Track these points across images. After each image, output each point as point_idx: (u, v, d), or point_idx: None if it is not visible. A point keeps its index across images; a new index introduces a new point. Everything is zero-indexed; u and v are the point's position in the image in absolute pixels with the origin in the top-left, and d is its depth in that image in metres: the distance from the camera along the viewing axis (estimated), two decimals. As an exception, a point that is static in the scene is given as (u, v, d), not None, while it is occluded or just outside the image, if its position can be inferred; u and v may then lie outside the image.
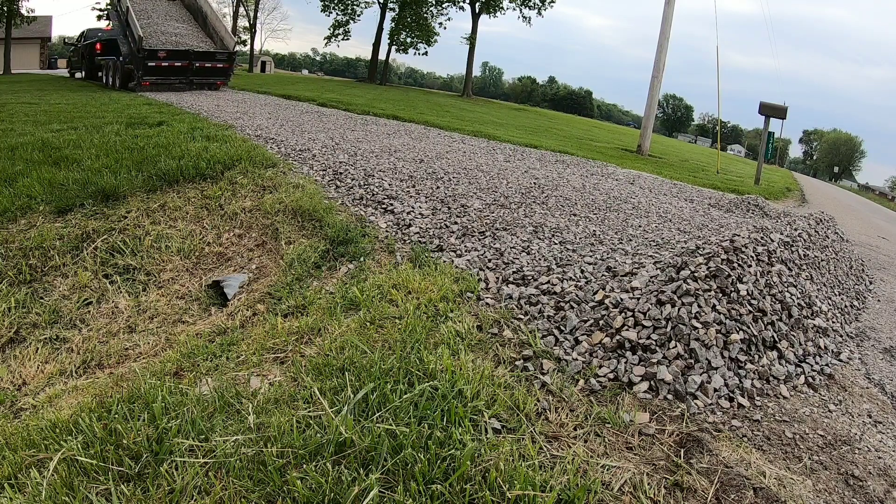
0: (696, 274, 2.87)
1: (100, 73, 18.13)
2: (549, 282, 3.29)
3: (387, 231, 4.27)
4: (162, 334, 3.55)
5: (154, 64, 14.22)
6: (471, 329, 2.74)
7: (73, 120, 8.55)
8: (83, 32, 21.25)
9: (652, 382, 2.35)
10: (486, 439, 1.91)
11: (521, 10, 39.62)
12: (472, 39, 39.45)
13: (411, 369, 2.28)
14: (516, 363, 2.49)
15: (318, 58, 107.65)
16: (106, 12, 18.28)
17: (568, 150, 12.73)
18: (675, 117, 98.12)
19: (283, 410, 2.06)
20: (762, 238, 3.56)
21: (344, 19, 40.05)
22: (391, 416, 1.99)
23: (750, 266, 3.07)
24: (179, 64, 14.71)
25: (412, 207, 4.81)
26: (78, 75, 21.40)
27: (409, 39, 40.13)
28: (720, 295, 2.79)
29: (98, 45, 18.03)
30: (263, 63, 51.63)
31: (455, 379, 2.21)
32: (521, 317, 2.93)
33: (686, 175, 12.98)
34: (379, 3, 39.47)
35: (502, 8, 39.63)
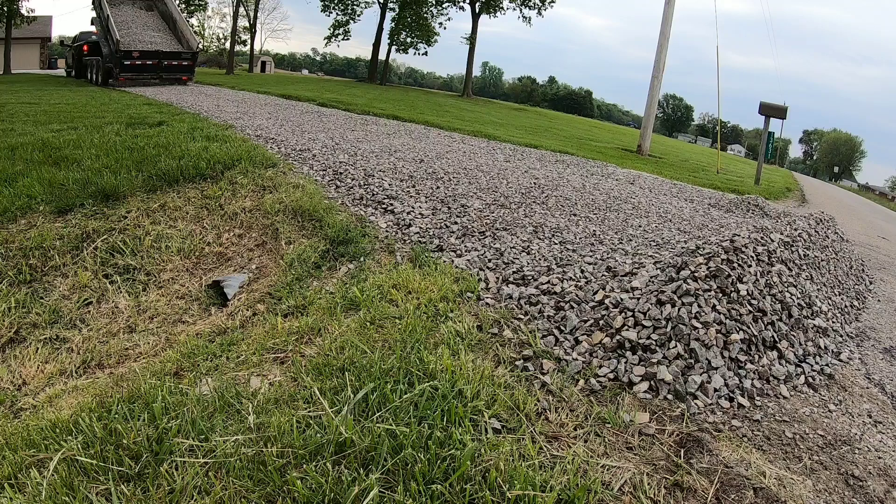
0: (696, 274, 2.86)
1: (87, 72, 20.33)
2: (549, 282, 3.29)
3: (387, 231, 4.27)
4: (162, 334, 3.55)
5: (129, 62, 16.61)
6: (471, 329, 2.74)
7: (73, 120, 8.55)
8: (78, 35, 22.53)
9: (652, 382, 2.35)
10: (486, 439, 1.91)
11: (521, 10, 39.58)
12: (472, 39, 39.39)
13: (411, 369, 2.28)
14: (516, 363, 2.49)
15: (318, 58, 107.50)
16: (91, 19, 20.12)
17: (568, 150, 12.73)
18: (675, 117, 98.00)
19: (283, 410, 2.06)
20: (762, 238, 3.56)
21: (344, 19, 40.03)
22: (391, 416, 1.99)
23: (750, 266, 3.07)
24: (151, 62, 17.19)
25: (412, 207, 4.80)
26: (73, 74, 22.87)
27: (409, 39, 40.10)
28: (720, 295, 2.79)
29: (85, 47, 20.11)
30: (263, 63, 51.72)
31: (455, 379, 2.21)
32: (521, 317, 2.93)
33: (686, 175, 12.97)
34: (379, 3, 39.43)
35: (502, 8, 39.55)
